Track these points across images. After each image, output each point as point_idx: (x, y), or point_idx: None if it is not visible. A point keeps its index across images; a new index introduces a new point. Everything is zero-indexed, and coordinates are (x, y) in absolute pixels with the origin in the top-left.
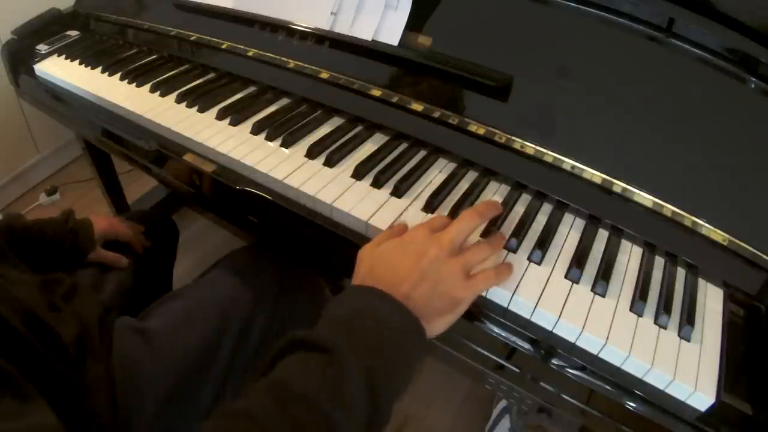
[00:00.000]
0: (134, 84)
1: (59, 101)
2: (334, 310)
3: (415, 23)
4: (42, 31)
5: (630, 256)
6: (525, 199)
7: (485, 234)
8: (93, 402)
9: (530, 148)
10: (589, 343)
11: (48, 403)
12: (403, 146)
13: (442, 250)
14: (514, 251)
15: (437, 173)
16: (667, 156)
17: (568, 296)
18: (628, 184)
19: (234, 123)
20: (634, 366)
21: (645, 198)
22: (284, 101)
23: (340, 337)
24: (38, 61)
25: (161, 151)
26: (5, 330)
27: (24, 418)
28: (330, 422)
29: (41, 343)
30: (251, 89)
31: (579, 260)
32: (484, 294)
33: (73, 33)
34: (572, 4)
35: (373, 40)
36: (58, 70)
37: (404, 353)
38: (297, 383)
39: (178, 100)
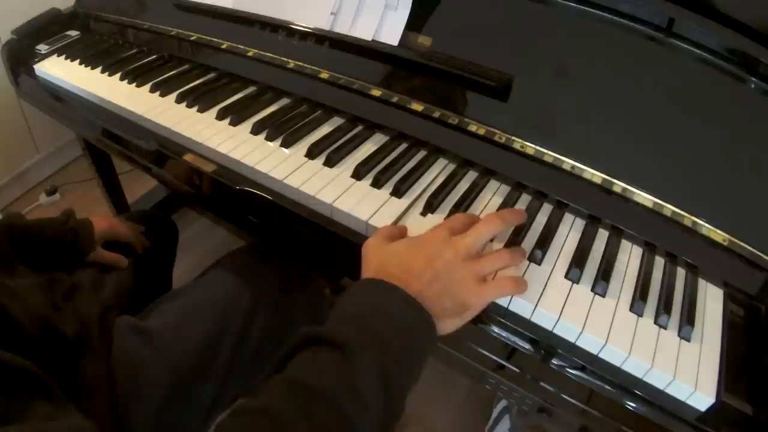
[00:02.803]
0: (134, 84)
1: (59, 101)
2: (346, 304)
3: (415, 23)
4: (42, 31)
5: (630, 256)
6: (525, 199)
7: (508, 245)
8: (93, 401)
9: (530, 148)
10: (589, 343)
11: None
12: (403, 146)
13: (458, 254)
14: None
15: (437, 173)
16: (667, 156)
17: (568, 296)
18: (628, 184)
19: (234, 123)
20: (634, 366)
21: (645, 198)
22: (284, 101)
23: (352, 334)
24: (38, 61)
25: (161, 151)
26: (19, 331)
27: (59, 419)
28: (348, 420)
29: (47, 343)
30: (251, 89)
31: (579, 260)
32: None
33: (73, 33)
34: (572, 4)
35: (373, 40)
36: (58, 70)
37: (415, 348)
38: (313, 381)
39: (178, 100)
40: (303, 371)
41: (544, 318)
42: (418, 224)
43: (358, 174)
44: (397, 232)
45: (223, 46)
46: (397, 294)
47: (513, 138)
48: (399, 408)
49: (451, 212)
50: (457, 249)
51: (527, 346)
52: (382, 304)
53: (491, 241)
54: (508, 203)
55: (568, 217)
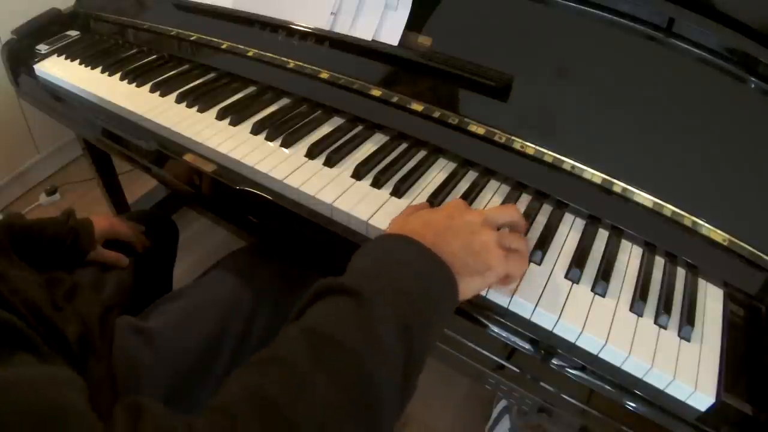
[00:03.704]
0: (134, 84)
1: (59, 101)
2: (363, 256)
3: (415, 23)
4: (42, 31)
5: (630, 256)
6: (525, 199)
7: None
8: (95, 401)
9: (530, 148)
10: (589, 343)
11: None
12: (403, 146)
13: (479, 218)
14: None
15: (437, 173)
16: (667, 156)
17: (568, 296)
18: (628, 184)
19: (234, 123)
20: (634, 366)
21: (645, 198)
22: (284, 101)
23: (368, 281)
24: (38, 61)
25: (161, 151)
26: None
27: (45, 367)
28: (364, 364)
29: (50, 341)
30: (251, 89)
31: (579, 260)
32: (484, 294)
33: (73, 33)
34: (572, 4)
35: (373, 40)
36: (58, 70)
37: (434, 300)
38: (327, 327)
39: (178, 100)
40: (317, 318)
41: (544, 318)
42: None
43: (358, 174)
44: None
45: (223, 46)
46: (415, 245)
47: (513, 138)
48: (419, 358)
49: None
50: (480, 213)
51: (527, 346)
52: (400, 254)
53: None
54: (508, 203)
55: (568, 217)
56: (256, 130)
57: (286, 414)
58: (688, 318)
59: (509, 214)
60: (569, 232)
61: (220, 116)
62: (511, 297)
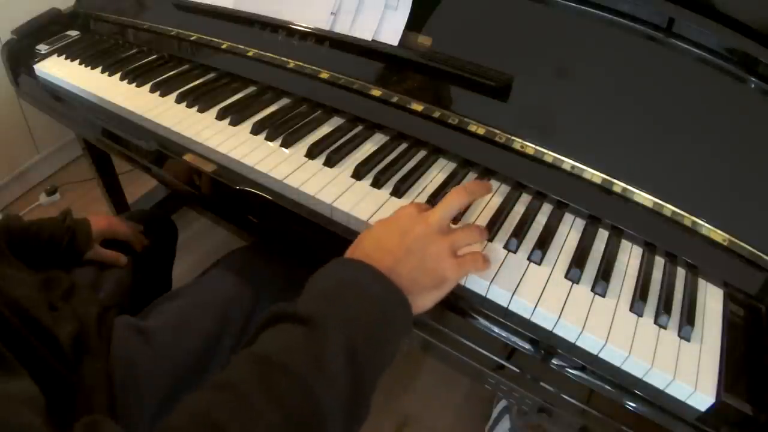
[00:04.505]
0: (134, 84)
1: (59, 101)
2: (316, 282)
3: (415, 23)
4: (42, 31)
5: (630, 256)
6: (525, 199)
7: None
8: (91, 401)
9: (530, 148)
10: (589, 343)
11: (46, 401)
12: (403, 146)
13: (429, 228)
14: (514, 251)
15: (437, 173)
16: (667, 156)
17: (568, 296)
18: (628, 184)
19: (234, 123)
20: (634, 366)
21: (645, 198)
22: (284, 101)
23: (320, 308)
24: (38, 61)
25: (161, 151)
26: (7, 330)
27: (4, 384)
28: (310, 392)
29: (39, 342)
30: (251, 89)
31: (579, 260)
32: (483, 293)
33: (73, 33)
34: (572, 4)
35: (373, 40)
36: (58, 70)
37: (386, 324)
38: (277, 354)
39: (178, 100)
40: (266, 346)
41: (544, 318)
42: None
43: (358, 174)
44: None
45: (223, 46)
46: (366, 270)
47: (513, 138)
48: (368, 386)
49: None
50: (428, 223)
51: (527, 346)
52: (351, 280)
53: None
54: (508, 203)
55: (568, 217)
56: (256, 130)
57: None
58: (688, 318)
59: (453, 205)
60: (569, 232)
61: (220, 116)
62: (511, 297)
